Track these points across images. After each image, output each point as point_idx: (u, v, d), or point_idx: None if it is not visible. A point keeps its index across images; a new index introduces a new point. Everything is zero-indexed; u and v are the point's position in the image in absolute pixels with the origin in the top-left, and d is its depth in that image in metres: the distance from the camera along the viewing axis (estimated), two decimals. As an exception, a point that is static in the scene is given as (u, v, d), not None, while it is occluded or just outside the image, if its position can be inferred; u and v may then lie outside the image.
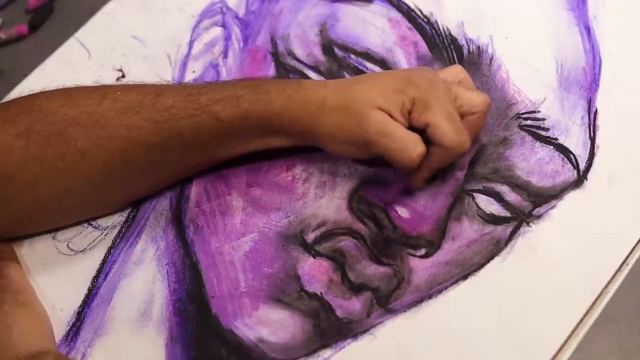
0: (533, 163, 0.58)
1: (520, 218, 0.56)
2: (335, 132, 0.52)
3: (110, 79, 0.65)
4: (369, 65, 0.62)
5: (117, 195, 0.57)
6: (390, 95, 0.51)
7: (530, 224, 0.56)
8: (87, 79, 0.65)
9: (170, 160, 0.55)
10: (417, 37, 0.63)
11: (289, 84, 0.53)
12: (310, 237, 0.56)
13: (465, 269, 0.55)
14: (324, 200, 0.58)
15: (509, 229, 0.56)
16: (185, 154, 0.54)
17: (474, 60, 0.61)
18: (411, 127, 0.52)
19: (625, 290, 0.54)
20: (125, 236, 0.58)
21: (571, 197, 0.56)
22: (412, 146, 0.51)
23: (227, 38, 0.65)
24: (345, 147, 0.53)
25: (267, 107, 0.52)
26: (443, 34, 0.63)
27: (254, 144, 0.55)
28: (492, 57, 0.61)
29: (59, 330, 0.55)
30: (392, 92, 0.51)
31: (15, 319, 0.51)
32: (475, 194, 0.57)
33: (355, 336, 0.54)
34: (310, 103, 0.52)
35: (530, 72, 0.60)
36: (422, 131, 0.52)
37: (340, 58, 0.62)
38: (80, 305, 0.56)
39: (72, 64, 0.65)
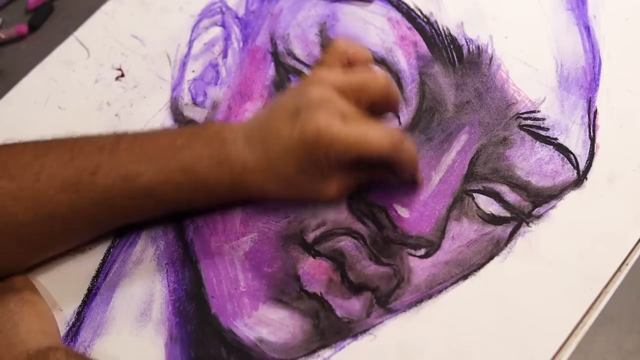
0: (533, 163, 0.58)
1: (520, 218, 0.56)
2: (269, 195, 0.55)
3: (109, 78, 0.64)
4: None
5: (56, 252, 0.57)
6: (313, 174, 0.53)
7: (530, 224, 0.56)
8: (87, 78, 0.65)
9: (112, 227, 0.56)
10: (417, 37, 0.63)
11: (221, 165, 0.53)
12: (310, 237, 0.56)
13: (465, 269, 0.55)
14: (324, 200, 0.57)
15: (508, 229, 0.56)
16: (121, 221, 0.56)
17: (473, 60, 0.61)
18: None
19: (625, 290, 0.54)
20: (124, 236, 0.58)
21: (571, 197, 0.57)
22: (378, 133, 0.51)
23: (227, 38, 0.65)
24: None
25: (207, 192, 0.54)
26: (443, 33, 0.63)
27: (189, 207, 0.57)
28: (491, 57, 0.61)
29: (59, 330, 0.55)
30: (311, 170, 0.52)
31: (22, 317, 0.52)
32: (475, 194, 0.57)
33: (355, 336, 0.53)
34: (250, 190, 0.54)
35: (530, 72, 0.60)
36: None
37: (340, 58, 0.62)
38: (80, 305, 0.56)
39: (72, 63, 0.65)
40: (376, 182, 0.57)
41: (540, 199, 0.56)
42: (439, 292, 0.54)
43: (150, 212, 0.56)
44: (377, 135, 0.51)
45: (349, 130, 0.50)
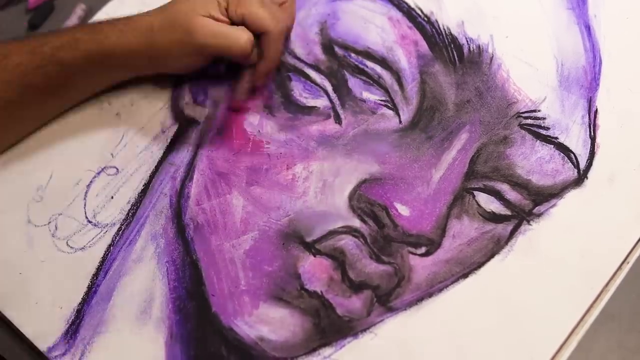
0: (533, 162, 0.58)
1: (520, 216, 0.56)
2: (170, 49, 0.57)
3: (110, 77, 0.64)
4: (370, 63, 0.62)
5: None
6: (206, 1, 0.57)
7: (531, 222, 0.56)
8: (87, 78, 0.64)
9: (30, 111, 0.59)
10: (418, 36, 0.63)
11: (120, 20, 0.58)
12: (311, 235, 0.56)
13: (466, 267, 0.55)
14: (325, 199, 0.57)
15: (509, 227, 0.56)
16: (40, 103, 0.59)
17: (474, 60, 0.61)
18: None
19: (626, 289, 0.54)
20: (124, 234, 0.58)
21: (571, 195, 0.57)
22: (238, 36, 0.56)
23: (228, 37, 0.65)
24: (183, 60, 0.58)
25: (103, 42, 0.56)
26: (443, 33, 0.63)
27: (100, 81, 0.60)
28: (492, 57, 0.61)
29: (59, 327, 0.54)
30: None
31: None
32: (475, 192, 0.57)
33: (355, 334, 0.53)
34: (140, 30, 0.57)
35: (531, 71, 0.61)
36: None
37: (341, 57, 0.62)
38: (80, 303, 0.55)
39: (72, 63, 0.65)
40: (376, 180, 0.57)
41: (540, 197, 0.56)
42: (440, 290, 0.54)
43: (61, 87, 0.58)
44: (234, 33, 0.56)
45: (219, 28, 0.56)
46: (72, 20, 0.68)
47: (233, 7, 0.57)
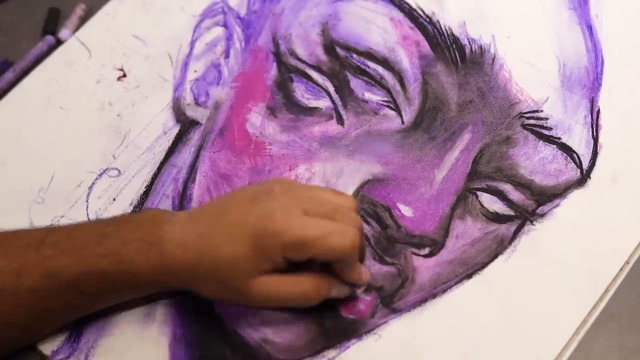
0: (536, 162, 0.58)
1: (524, 216, 0.56)
2: (216, 297, 0.52)
3: (111, 78, 0.64)
4: (371, 64, 0.62)
5: None
6: (254, 260, 0.48)
7: (534, 222, 0.56)
8: (88, 79, 0.64)
9: (40, 330, 0.53)
10: (419, 37, 0.63)
11: (151, 247, 0.49)
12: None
13: (469, 268, 0.55)
14: (327, 200, 0.57)
15: (512, 227, 0.56)
16: (54, 322, 0.53)
17: (476, 60, 0.61)
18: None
19: (626, 289, 0.54)
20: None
21: (574, 195, 0.57)
22: (303, 290, 0.50)
23: (229, 38, 0.65)
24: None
25: (134, 277, 0.49)
26: (445, 33, 0.63)
27: (124, 299, 0.53)
28: (494, 57, 0.61)
29: (62, 331, 0.54)
30: (254, 254, 0.48)
31: None
32: (478, 193, 0.57)
33: (359, 336, 0.53)
34: (179, 272, 0.49)
35: (533, 71, 0.61)
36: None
37: (342, 58, 0.62)
38: (83, 306, 0.55)
39: (73, 64, 0.65)
40: (379, 181, 0.57)
41: (544, 197, 0.57)
42: (444, 291, 0.54)
43: (81, 309, 0.52)
44: (338, 232, 0.48)
45: (310, 226, 0.48)
46: (72, 21, 0.68)
47: (293, 254, 0.48)
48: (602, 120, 0.59)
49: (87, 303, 0.52)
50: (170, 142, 0.61)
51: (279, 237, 0.48)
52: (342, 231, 0.48)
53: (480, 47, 0.62)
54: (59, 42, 0.67)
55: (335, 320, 0.54)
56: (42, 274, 0.49)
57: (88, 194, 0.59)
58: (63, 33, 0.67)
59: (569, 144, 0.58)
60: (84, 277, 0.49)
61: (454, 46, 0.62)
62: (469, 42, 0.62)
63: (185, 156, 0.60)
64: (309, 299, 0.51)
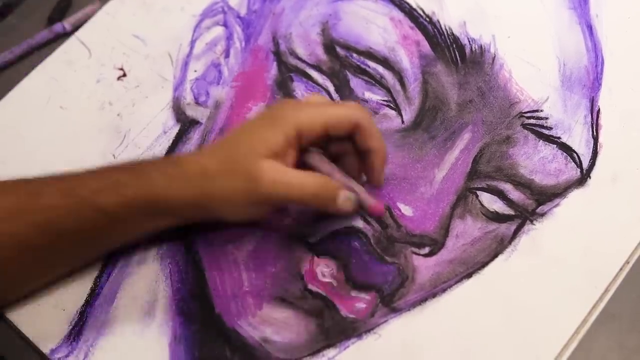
0: (536, 161, 0.58)
1: (524, 216, 0.56)
2: (230, 198, 0.50)
3: (111, 78, 0.64)
4: (371, 64, 0.62)
5: (10, 293, 0.54)
6: (268, 137, 0.49)
7: (534, 221, 0.56)
8: (88, 79, 0.64)
9: (61, 258, 0.53)
10: (420, 37, 0.63)
11: (168, 161, 0.52)
12: (314, 236, 0.56)
13: (469, 267, 0.55)
14: (328, 199, 0.57)
15: (513, 226, 0.56)
16: (74, 249, 0.53)
17: (476, 60, 0.61)
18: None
19: (626, 289, 0.54)
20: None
21: (574, 195, 0.57)
22: (310, 182, 0.50)
23: (229, 37, 0.65)
24: (247, 210, 0.52)
25: (150, 190, 0.50)
26: (445, 33, 0.63)
27: (143, 228, 0.53)
28: (494, 57, 0.61)
29: (61, 329, 0.54)
30: (268, 131, 0.50)
31: None
32: (478, 192, 0.57)
33: (359, 335, 0.53)
34: (193, 176, 0.50)
35: (533, 71, 0.61)
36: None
37: (342, 57, 0.62)
38: (83, 305, 0.55)
39: (73, 63, 0.65)
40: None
41: (544, 197, 0.57)
42: (444, 290, 0.54)
43: (100, 235, 0.52)
44: (345, 105, 0.53)
45: (323, 102, 0.53)
46: (77, 16, 0.67)
47: (307, 125, 0.50)
48: (602, 120, 0.59)
49: (106, 226, 0.51)
50: (171, 141, 0.61)
51: (293, 110, 0.50)
52: (350, 105, 0.53)
53: (481, 46, 0.62)
54: (65, 34, 0.67)
55: (335, 320, 0.54)
56: (61, 192, 0.49)
57: (88, 194, 0.59)
58: (66, 24, 0.66)
59: (569, 143, 0.58)
60: (102, 192, 0.49)
61: (454, 46, 0.62)
62: (469, 41, 0.62)
63: (185, 156, 0.60)
64: (315, 196, 0.50)
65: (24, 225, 0.49)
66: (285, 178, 0.50)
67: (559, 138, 0.58)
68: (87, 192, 0.50)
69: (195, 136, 0.61)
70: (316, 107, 0.52)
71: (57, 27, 0.66)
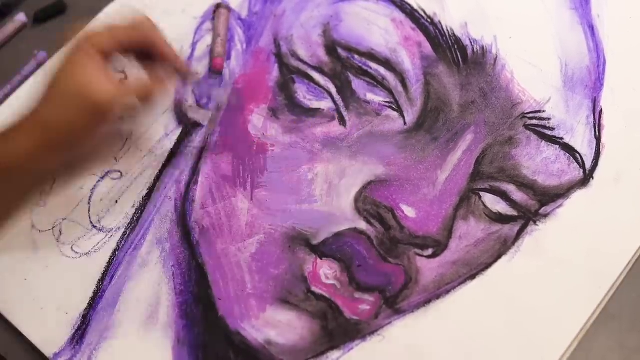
0: (539, 162, 0.58)
1: (527, 217, 0.56)
2: (67, 120, 0.50)
3: (112, 80, 0.64)
4: (373, 65, 0.62)
5: None
6: (84, 66, 0.51)
7: (538, 222, 0.56)
8: (89, 81, 0.64)
9: None
10: (421, 38, 0.63)
11: (6, 129, 0.51)
12: (317, 238, 0.56)
13: (473, 269, 0.55)
14: (330, 201, 0.57)
15: (516, 227, 0.56)
16: None
17: (478, 61, 0.61)
18: None
19: (627, 289, 0.54)
20: (129, 238, 0.58)
21: (577, 196, 0.57)
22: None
23: (230, 40, 0.65)
24: (85, 133, 0.52)
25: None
26: (447, 34, 0.62)
27: (9, 198, 0.53)
28: (496, 57, 0.61)
29: (65, 333, 0.54)
30: (82, 49, 0.52)
31: None
32: (481, 193, 0.57)
33: (363, 337, 0.53)
34: (26, 123, 0.51)
35: (535, 72, 0.61)
36: None
37: (344, 58, 0.62)
38: (86, 309, 0.55)
39: (74, 66, 0.65)
40: (382, 182, 0.57)
41: (547, 197, 0.57)
42: (447, 292, 0.54)
43: None
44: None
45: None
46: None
47: (107, 49, 0.52)
48: (605, 120, 0.59)
49: None
50: (172, 144, 0.61)
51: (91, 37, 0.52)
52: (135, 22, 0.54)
53: (482, 47, 0.62)
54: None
55: (338, 322, 0.54)
56: None
57: (90, 197, 0.59)
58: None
59: (571, 144, 0.58)
60: None
61: (456, 47, 0.62)
62: (471, 42, 0.62)
63: (187, 158, 0.60)
64: (146, 88, 0.53)
65: None
66: (111, 84, 0.51)
67: (561, 139, 0.58)
68: None
69: (197, 138, 0.61)
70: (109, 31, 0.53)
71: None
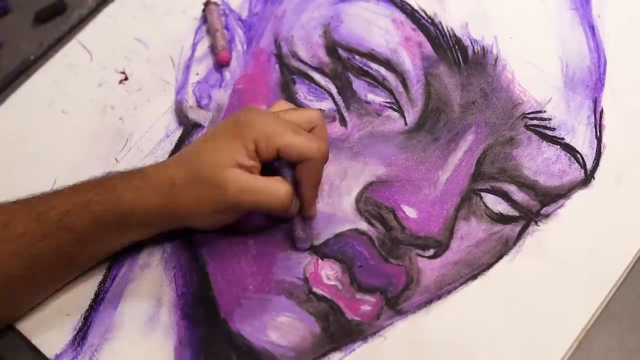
0: (540, 162, 0.58)
1: (528, 217, 0.56)
2: (196, 207, 0.52)
3: (113, 81, 0.64)
4: (374, 65, 0.62)
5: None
6: (231, 148, 0.51)
7: (539, 223, 0.56)
8: (90, 82, 0.64)
9: (39, 283, 0.53)
10: (422, 38, 0.63)
11: (134, 174, 0.52)
12: (318, 239, 0.56)
13: (474, 269, 0.55)
14: (331, 202, 0.57)
15: (517, 228, 0.56)
16: (51, 273, 0.53)
17: (479, 61, 0.61)
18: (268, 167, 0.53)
19: (627, 289, 0.54)
20: (131, 240, 0.57)
21: (579, 196, 0.57)
22: (276, 189, 0.51)
23: (231, 40, 0.65)
24: (213, 218, 0.53)
25: (118, 204, 0.51)
26: (447, 34, 0.63)
27: (115, 244, 0.54)
28: (497, 58, 0.61)
29: (66, 334, 0.54)
30: (231, 143, 0.51)
31: None
32: (482, 194, 0.57)
33: (365, 338, 0.53)
34: (160, 187, 0.51)
35: (536, 72, 0.61)
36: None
37: (345, 59, 0.62)
38: (87, 310, 0.55)
39: (74, 67, 0.65)
40: (383, 182, 0.57)
41: (548, 198, 0.57)
42: (449, 292, 0.54)
43: (77, 255, 0.52)
44: (306, 135, 0.52)
45: (282, 123, 0.52)
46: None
47: (264, 144, 0.51)
48: (606, 121, 0.59)
49: (79, 245, 0.51)
50: (173, 145, 0.61)
51: (253, 125, 0.51)
52: (310, 137, 0.52)
53: (483, 48, 0.62)
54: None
55: (340, 323, 0.54)
56: (31, 218, 0.50)
57: (91, 198, 0.59)
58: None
59: (572, 144, 0.58)
60: (71, 212, 0.50)
61: (457, 47, 0.62)
62: (472, 43, 0.62)
63: (188, 159, 0.60)
64: (280, 197, 0.51)
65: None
66: (249, 185, 0.51)
67: (562, 139, 0.58)
68: (57, 215, 0.50)
69: (198, 139, 0.61)
70: (275, 127, 0.52)
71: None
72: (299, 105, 0.61)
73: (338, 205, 0.57)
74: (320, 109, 0.59)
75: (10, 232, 0.50)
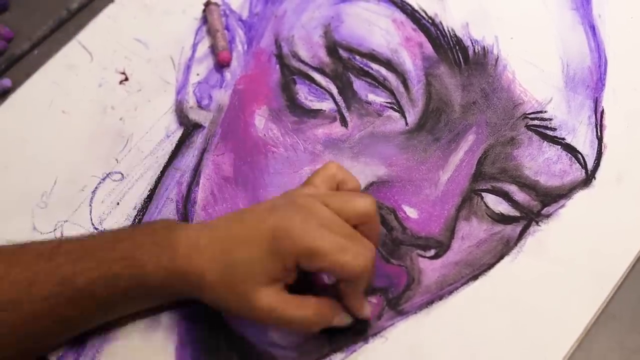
0: (541, 163, 0.58)
1: (529, 217, 0.56)
2: (222, 306, 0.51)
3: (113, 82, 0.64)
4: (375, 66, 0.62)
5: None
6: (267, 264, 0.48)
7: (540, 223, 0.56)
8: (90, 83, 0.64)
9: (58, 339, 0.53)
10: (422, 38, 0.63)
11: (164, 250, 0.49)
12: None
13: (475, 269, 0.55)
14: (332, 202, 0.57)
15: (518, 228, 0.56)
16: (71, 329, 0.52)
17: (479, 61, 0.61)
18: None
19: (628, 289, 0.54)
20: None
21: (580, 196, 0.57)
22: (302, 318, 0.49)
23: (231, 41, 0.65)
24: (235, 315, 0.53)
25: (144, 281, 0.49)
26: (448, 34, 0.63)
27: (138, 308, 0.53)
28: (497, 58, 0.61)
29: (67, 336, 0.54)
30: (267, 256, 0.48)
31: None
32: (483, 194, 0.57)
33: (366, 339, 0.53)
34: (190, 276, 0.49)
35: (536, 72, 0.61)
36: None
37: (345, 59, 0.62)
38: (88, 311, 0.55)
39: (74, 67, 0.65)
40: (384, 183, 0.57)
41: (549, 198, 0.57)
42: (450, 292, 0.54)
43: (96, 318, 0.52)
44: (352, 251, 0.48)
45: (326, 238, 0.48)
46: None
47: (305, 264, 0.48)
48: (606, 121, 0.59)
49: (101, 311, 0.51)
50: (174, 145, 0.61)
51: (294, 241, 0.48)
52: (357, 251, 0.48)
53: (484, 48, 0.62)
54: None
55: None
56: (56, 281, 0.49)
57: (91, 198, 0.59)
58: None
59: (573, 144, 0.58)
60: (97, 282, 0.49)
61: (457, 47, 0.62)
62: (472, 43, 0.62)
63: (188, 159, 0.60)
64: (311, 323, 0.50)
65: (21, 315, 0.49)
66: (282, 306, 0.49)
67: (563, 139, 0.58)
68: (83, 283, 0.49)
69: (198, 140, 0.61)
70: (321, 244, 0.48)
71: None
72: (299, 106, 0.61)
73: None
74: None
75: (35, 294, 0.48)
